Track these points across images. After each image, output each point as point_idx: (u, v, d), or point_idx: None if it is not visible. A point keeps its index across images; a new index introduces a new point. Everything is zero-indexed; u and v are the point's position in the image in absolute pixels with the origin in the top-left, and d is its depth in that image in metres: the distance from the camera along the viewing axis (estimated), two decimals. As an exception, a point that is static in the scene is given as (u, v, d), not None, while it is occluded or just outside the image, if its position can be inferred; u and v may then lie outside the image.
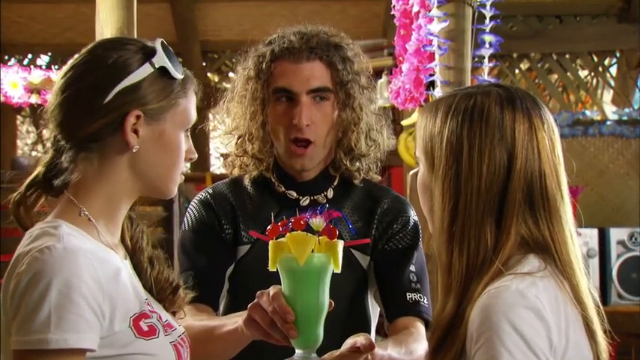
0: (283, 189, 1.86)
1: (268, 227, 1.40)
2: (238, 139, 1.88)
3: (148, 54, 1.34)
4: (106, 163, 1.33)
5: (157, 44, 1.36)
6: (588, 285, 1.32)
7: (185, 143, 1.39)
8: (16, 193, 1.35)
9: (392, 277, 1.81)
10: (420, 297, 1.79)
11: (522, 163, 1.28)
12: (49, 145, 1.37)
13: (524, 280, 1.23)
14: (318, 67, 1.79)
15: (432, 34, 2.77)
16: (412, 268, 1.82)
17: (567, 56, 6.41)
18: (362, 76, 1.85)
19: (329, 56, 1.79)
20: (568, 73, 6.46)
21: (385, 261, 1.83)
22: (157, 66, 1.33)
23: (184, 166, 1.41)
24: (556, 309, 1.23)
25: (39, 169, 1.37)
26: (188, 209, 1.90)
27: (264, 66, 1.80)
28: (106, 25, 3.63)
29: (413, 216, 1.89)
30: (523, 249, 1.29)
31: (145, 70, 1.32)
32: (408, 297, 1.78)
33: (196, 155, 1.43)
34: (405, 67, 3.07)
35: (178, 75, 1.36)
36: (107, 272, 1.26)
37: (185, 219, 1.88)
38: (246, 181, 1.90)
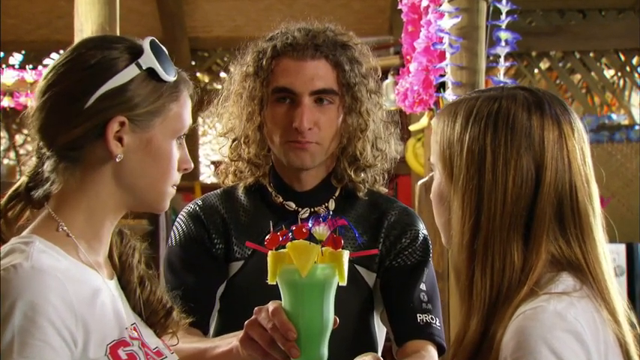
0: (281, 200, 1.86)
1: (267, 237, 1.39)
2: (233, 142, 1.89)
3: (136, 54, 1.33)
4: (88, 174, 1.32)
5: (145, 43, 1.34)
6: (624, 306, 1.32)
7: (178, 152, 1.38)
8: None
9: (400, 296, 1.81)
10: (431, 318, 1.79)
11: (552, 174, 1.28)
12: (33, 152, 1.36)
13: (561, 301, 1.23)
14: (323, 67, 1.79)
15: (442, 31, 2.78)
16: (422, 286, 1.82)
17: (591, 54, 6.42)
18: (370, 79, 1.85)
19: (335, 55, 1.80)
20: (592, 73, 6.46)
21: (393, 279, 1.83)
22: (144, 67, 1.32)
23: (177, 178, 1.39)
24: (595, 332, 1.23)
25: (22, 179, 1.36)
26: (175, 223, 1.89)
27: (264, 62, 1.80)
28: (86, 21, 3.64)
29: (422, 230, 1.89)
30: (554, 267, 1.29)
31: (130, 72, 1.31)
32: (418, 318, 1.78)
33: (192, 165, 1.41)
34: (413, 66, 3.08)
35: (168, 77, 1.34)
36: (82, 294, 1.25)
37: (172, 233, 1.88)
38: (240, 192, 1.90)
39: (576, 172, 1.30)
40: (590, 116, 5.54)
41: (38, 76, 4.55)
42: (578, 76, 6.63)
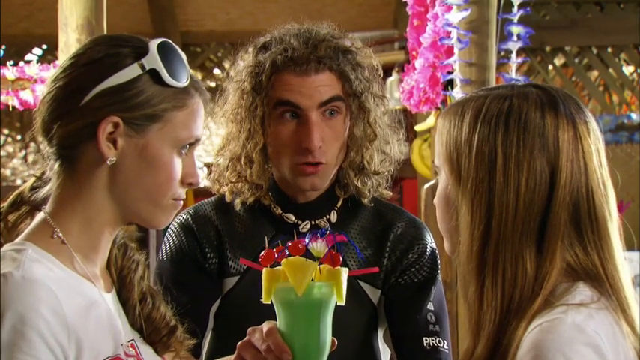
0: (280, 211, 1.84)
1: (262, 253, 1.39)
2: (230, 160, 1.84)
3: (142, 54, 1.33)
4: (83, 178, 1.32)
5: (153, 43, 1.34)
6: None
7: (182, 163, 1.37)
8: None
9: (406, 317, 1.79)
10: (438, 341, 1.77)
11: (567, 177, 1.27)
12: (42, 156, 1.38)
13: (579, 312, 1.22)
14: (327, 79, 1.76)
15: (450, 25, 2.78)
16: (430, 306, 1.80)
17: (609, 50, 6.43)
18: (374, 82, 1.83)
19: (340, 65, 1.77)
20: (610, 70, 6.47)
21: (398, 297, 1.81)
22: (147, 67, 1.32)
23: (180, 192, 1.38)
24: (614, 345, 1.23)
25: (31, 181, 1.38)
26: (166, 235, 1.88)
27: (262, 78, 1.76)
28: (71, 14, 3.64)
29: (430, 243, 1.87)
30: (569, 277, 1.28)
31: (131, 71, 1.31)
32: (424, 342, 1.77)
33: (198, 180, 1.39)
34: (419, 63, 3.08)
35: (174, 82, 1.33)
36: (76, 307, 1.25)
37: (162, 246, 1.86)
38: (237, 201, 1.87)
39: (592, 174, 1.30)
40: (607, 115, 5.55)
41: (20, 72, 4.54)
42: (595, 73, 6.64)
